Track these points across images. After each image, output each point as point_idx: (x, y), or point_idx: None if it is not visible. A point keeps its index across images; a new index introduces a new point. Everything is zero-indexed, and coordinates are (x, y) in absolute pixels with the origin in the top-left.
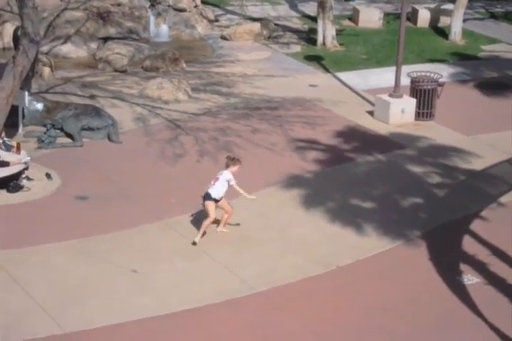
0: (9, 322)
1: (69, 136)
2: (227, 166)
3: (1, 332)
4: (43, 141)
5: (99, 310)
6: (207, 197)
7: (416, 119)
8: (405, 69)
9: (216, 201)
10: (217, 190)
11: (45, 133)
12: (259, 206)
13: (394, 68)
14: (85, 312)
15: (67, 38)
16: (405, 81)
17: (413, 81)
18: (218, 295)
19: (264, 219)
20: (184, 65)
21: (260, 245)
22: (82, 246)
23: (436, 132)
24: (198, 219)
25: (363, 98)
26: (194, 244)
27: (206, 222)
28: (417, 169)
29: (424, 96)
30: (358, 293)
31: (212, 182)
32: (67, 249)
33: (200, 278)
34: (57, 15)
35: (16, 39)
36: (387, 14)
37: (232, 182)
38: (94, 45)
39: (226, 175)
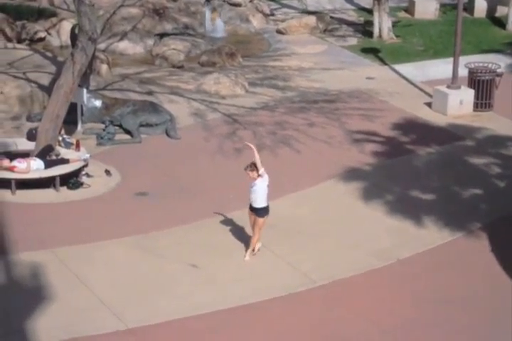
0: (73, 318)
1: (127, 132)
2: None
3: (66, 329)
4: (102, 138)
5: (161, 305)
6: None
7: (474, 110)
8: (463, 60)
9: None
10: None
11: (103, 130)
12: (318, 199)
13: (451, 59)
14: (147, 308)
15: (123, 35)
16: (463, 72)
17: (471, 72)
18: (279, 290)
19: (323, 212)
20: (240, 60)
21: (320, 239)
22: (143, 242)
23: (495, 123)
24: None
25: (421, 90)
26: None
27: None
28: (476, 160)
29: (483, 87)
30: (420, 286)
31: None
32: (128, 245)
33: (260, 273)
34: (114, 13)
35: (73, 37)
36: (443, 5)
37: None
38: (150, 42)
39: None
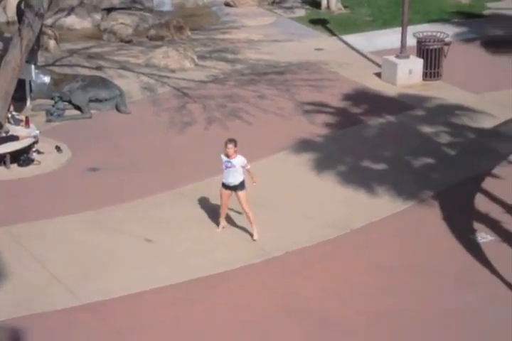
0: (27, 294)
1: (77, 108)
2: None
3: (20, 305)
4: (51, 114)
5: (116, 280)
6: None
7: (423, 79)
8: (411, 29)
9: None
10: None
11: (53, 106)
12: (270, 171)
13: (400, 29)
14: (102, 283)
15: (70, 10)
16: (411, 42)
17: (419, 41)
18: (235, 262)
19: (277, 184)
20: (189, 33)
21: (273, 211)
22: (96, 218)
23: (444, 91)
24: (212, 187)
25: (370, 60)
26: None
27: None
28: (427, 129)
29: (431, 56)
30: (373, 255)
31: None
32: (81, 221)
33: (215, 246)
34: None
35: (19, 12)
36: None
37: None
38: (98, 16)
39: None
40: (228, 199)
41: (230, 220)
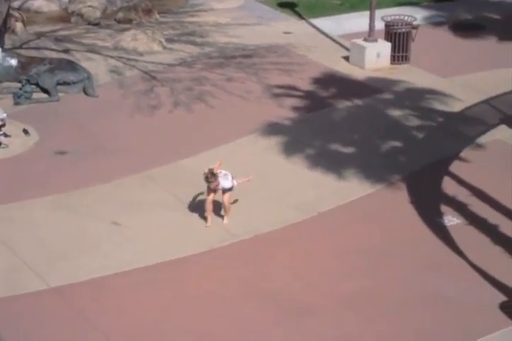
0: None
1: (45, 91)
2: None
3: None
4: (18, 97)
5: (84, 263)
6: None
7: (392, 63)
8: (379, 13)
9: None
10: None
11: (20, 88)
12: (238, 155)
13: (368, 12)
14: (70, 267)
15: None
16: (379, 25)
17: (387, 25)
18: (201, 245)
19: (244, 167)
20: (157, 16)
21: (241, 194)
22: (64, 201)
23: (412, 75)
24: (179, 170)
25: (338, 43)
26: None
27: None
28: (395, 113)
29: (399, 40)
30: (341, 238)
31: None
32: (49, 204)
33: (183, 229)
34: None
35: None
36: None
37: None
38: None
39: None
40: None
41: (200, 205)
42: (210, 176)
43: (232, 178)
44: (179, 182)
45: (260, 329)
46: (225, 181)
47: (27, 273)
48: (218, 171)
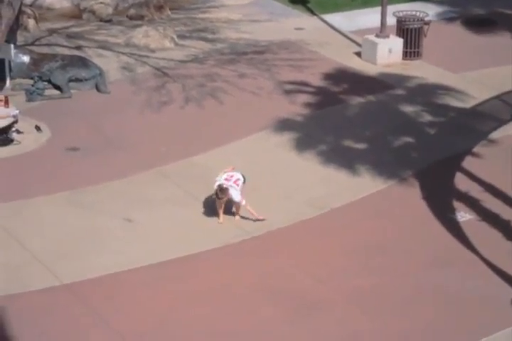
0: (7, 275)
1: (57, 87)
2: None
3: (1, 286)
4: (31, 94)
5: (96, 260)
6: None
7: (403, 59)
8: (391, 8)
9: None
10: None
11: (32, 85)
12: (249, 151)
13: (380, 8)
14: (82, 263)
15: None
16: (391, 21)
17: (399, 20)
18: (214, 242)
19: (257, 164)
20: (169, 12)
21: (253, 190)
22: (76, 197)
23: (424, 71)
24: (191, 166)
25: (350, 39)
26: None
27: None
28: (407, 109)
29: (411, 36)
30: (353, 234)
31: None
32: (61, 201)
33: (194, 226)
34: None
35: None
36: None
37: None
38: None
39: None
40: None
41: (212, 201)
42: (220, 193)
43: (244, 181)
44: (191, 178)
45: (271, 325)
46: (235, 192)
47: (39, 269)
48: (230, 175)
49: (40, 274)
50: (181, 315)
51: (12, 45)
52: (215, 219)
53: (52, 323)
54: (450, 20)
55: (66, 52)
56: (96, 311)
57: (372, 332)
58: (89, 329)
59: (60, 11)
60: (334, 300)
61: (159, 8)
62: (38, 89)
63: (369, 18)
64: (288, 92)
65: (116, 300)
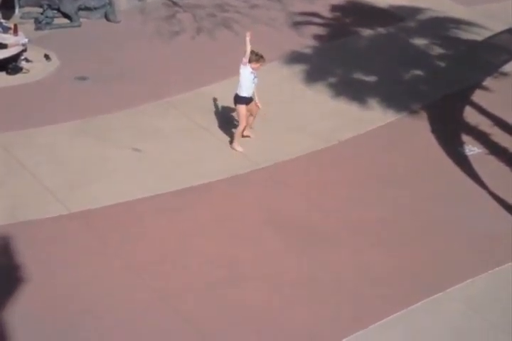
0: (17, 203)
1: (66, 16)
2: (249, 61)
3: (9, 212)
4: (40, 22)
5: (104, 189)
6: (237, 99)
7: None
8: None
9: (247, 102)
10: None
11: (42, 14)
12: (260, 82)
13: None
14: (91, 192)
15: None
16: None
17: None
18: (222, 172)
19: (266, 95)
20: None
21: (262, 122)
22: (85, 126)
23: (435, 3)
24: (201, 97)
25: None
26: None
27: (239, 129)
28: (418, 41)
29: None
30: (361, 167)
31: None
32: (70, 130)
33: (203, 156)
34: None
35: None
36: None
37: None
38: None
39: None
40: None
41: (221, 131)
42: (259, 57)
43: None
44: (200, 109)
45: (278, 254)
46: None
47: (47, 197)
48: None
49: (49, 202)
50: (187, 245)
51: None
52: (224, 149)
53: (61, 251)
54: None
55: None
56: (104, 240)
57: (383, 263)
58: (94, 257)
59: None
60: (343, 232)
61: None
62: (47, 17)
63: None
64: (299, 24)
65: (124, 230)
